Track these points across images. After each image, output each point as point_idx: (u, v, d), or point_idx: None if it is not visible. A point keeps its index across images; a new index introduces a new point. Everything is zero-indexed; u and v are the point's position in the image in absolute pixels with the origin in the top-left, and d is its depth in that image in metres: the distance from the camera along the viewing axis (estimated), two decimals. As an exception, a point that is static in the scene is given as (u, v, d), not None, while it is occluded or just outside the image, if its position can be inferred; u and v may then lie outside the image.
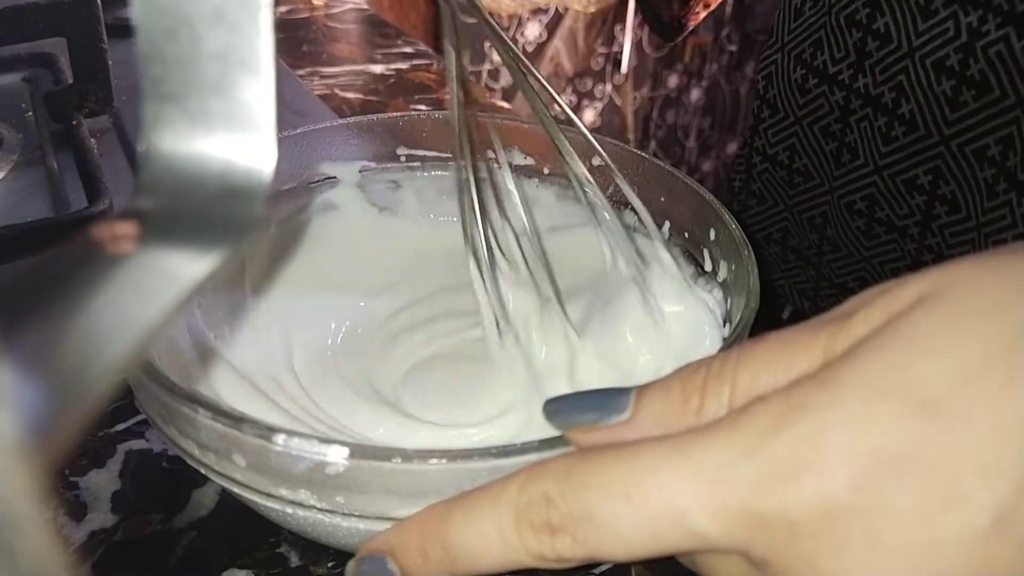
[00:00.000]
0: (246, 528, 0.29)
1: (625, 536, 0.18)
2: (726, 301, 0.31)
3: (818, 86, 0.53)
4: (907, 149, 0.48)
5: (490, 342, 0.33)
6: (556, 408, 0.22)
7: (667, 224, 0.35)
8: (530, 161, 0.39)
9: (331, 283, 0.37)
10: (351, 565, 0.22)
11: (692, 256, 0.34)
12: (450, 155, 0.39)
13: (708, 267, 0.33)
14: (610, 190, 0.36)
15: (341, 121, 0.38)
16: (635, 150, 0.36)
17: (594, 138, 0.34)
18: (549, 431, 0.22)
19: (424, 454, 0.21)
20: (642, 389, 0.21)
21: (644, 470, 0.18)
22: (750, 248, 0.30)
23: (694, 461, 0.18)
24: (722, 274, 0.32)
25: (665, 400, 0.20)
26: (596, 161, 0.35)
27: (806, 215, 0.58)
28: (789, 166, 0.57)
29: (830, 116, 0.53)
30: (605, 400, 0.21)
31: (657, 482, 0.18)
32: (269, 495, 0.23)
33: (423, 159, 0.40)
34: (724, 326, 0.31)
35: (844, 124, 0.52)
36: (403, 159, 0.39)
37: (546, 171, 0.39)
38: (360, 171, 0.39)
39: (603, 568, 0.29)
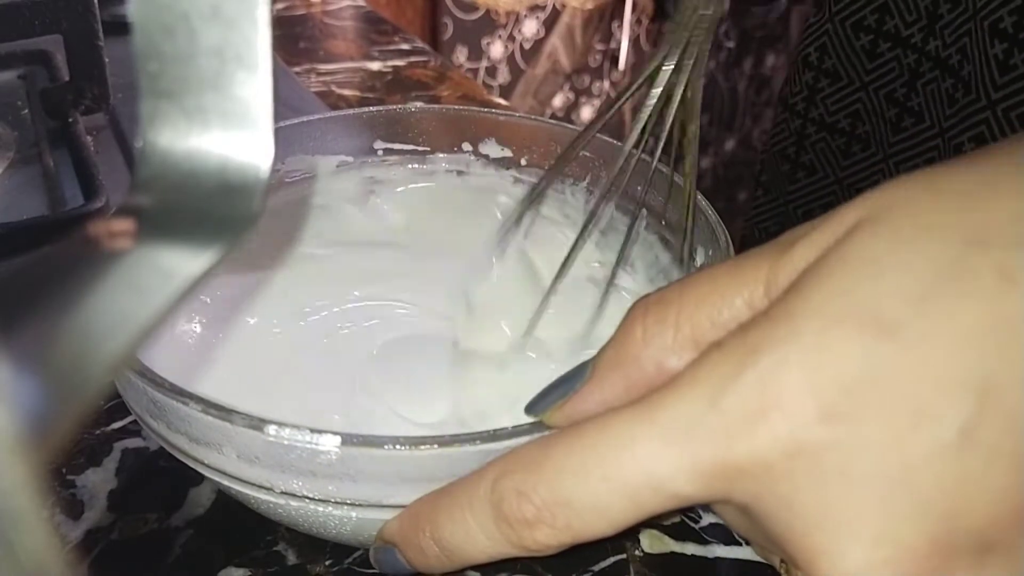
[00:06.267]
0: (243, 527, 0.29)
1: (608, 514, 0.18)
2: None
3: (891, 50, 0.53)
4: (962, 112, 0.49)
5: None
6: (533, 401, 0.22)
7: (644, 212, 0.36)
8: (507, 153, 0.39)
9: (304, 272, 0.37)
10: (372, 552, 0.24)
11: (670, 244, 0.35)
12: (426, 148, 0.40)
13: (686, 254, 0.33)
14: (587, 180, 0.37)
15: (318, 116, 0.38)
16: (612, 140, 0.36)
17: (571, 128, 0.35)
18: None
19: (415, 440, 0.21)
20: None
21: (615, 446, 0.18)
22: (726, 232, 0.30)
23: (661, 424, 0.18)
24: (700, 260, 0.32)
25: (613, 342, 0.21)
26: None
27: (857, 186, 0.58)
28: (851, 132, 0.58)
29: (897, 80, 0.53)
30: (570, 375, 0.22)
31: (631, 456, 0.18)
32: (261, 487, 0.23)
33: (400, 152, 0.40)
34: None
35: (910, 88, 0.52)
36: (380, 153, 0.39)
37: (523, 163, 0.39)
38: (337, 166, 0.39)
39: (602, 566, 0.29)
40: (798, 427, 0.17)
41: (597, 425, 0.19)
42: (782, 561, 0.21)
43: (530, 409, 0.22)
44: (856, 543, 0.16)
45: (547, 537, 0.19)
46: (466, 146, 0.39)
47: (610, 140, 0.36)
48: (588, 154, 0.37)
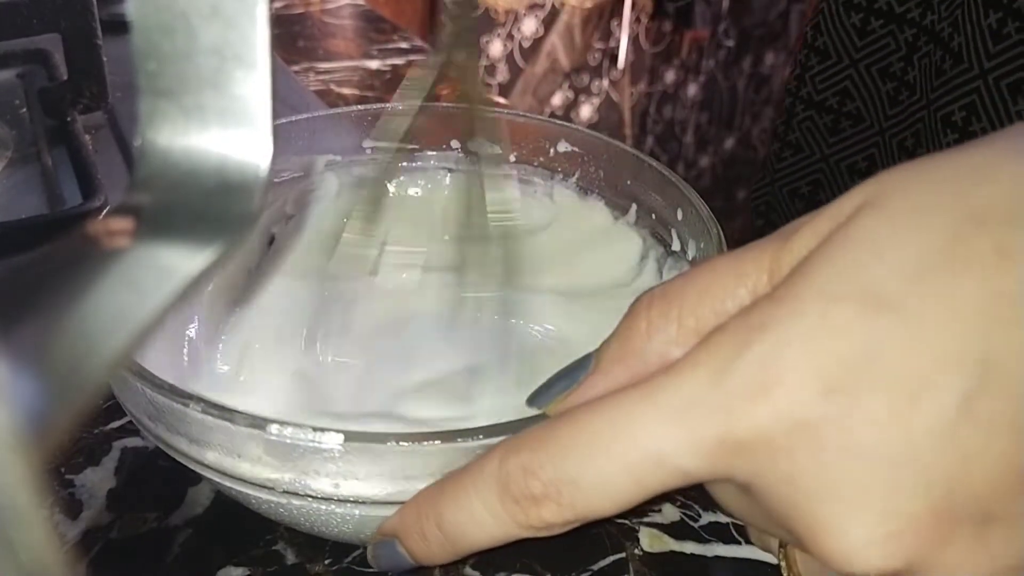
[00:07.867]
0: (242, 526, 0.29)
1: (611, 492, 0.19)
2: None
3: (884, 26, 0.54)
4: (951, 83, 0.49)
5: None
6: (535, 393, 0.22)
7: (634, 206, 0.36)
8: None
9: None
10: (369, 549, 0.23)
11: (660, 237, 0.35)
12: (415, 146, 0.40)
13: (676, 247, 0.34)
14: (576, 175, 0.37)
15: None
16: (600, 135, 0.37)
17: (560, 123, 0.35)
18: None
19: (418, 436, 0.21)
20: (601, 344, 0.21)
21: (618, 424, 0.18)
22: (718, 225, 0.30)
23: (663, 403, 0.18)
24: (691, 252, 0.33)
25: (616, 335, 0.21)
26: (563, 147, 0.35)
27: (846, 162, 0.58)
28: (839, 110, 0.58)
29: (894, 55, 0.54)
30: (572, 367, 0.22)
31: (632, 433, 0.18)
32: (263, 487, 0.23)
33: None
34: None
35: (907, 62, 0.53)
36: (369, 151, 0.39)
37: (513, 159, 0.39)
38: (326, 165, 0.39)
39: (602, 565, 0.29)
40: (800, 402, 0.17)
41: (601, 405, 0.19)
42: (781, 546, 0.21)
43: (532, 401, 0.22)
44: (859, 518, 0.17)
45: (553, 515, 0.19)
46: (455, 143, 0.40)
47: (600, 136, 0.37)
48: (577, 149, 0.37)
